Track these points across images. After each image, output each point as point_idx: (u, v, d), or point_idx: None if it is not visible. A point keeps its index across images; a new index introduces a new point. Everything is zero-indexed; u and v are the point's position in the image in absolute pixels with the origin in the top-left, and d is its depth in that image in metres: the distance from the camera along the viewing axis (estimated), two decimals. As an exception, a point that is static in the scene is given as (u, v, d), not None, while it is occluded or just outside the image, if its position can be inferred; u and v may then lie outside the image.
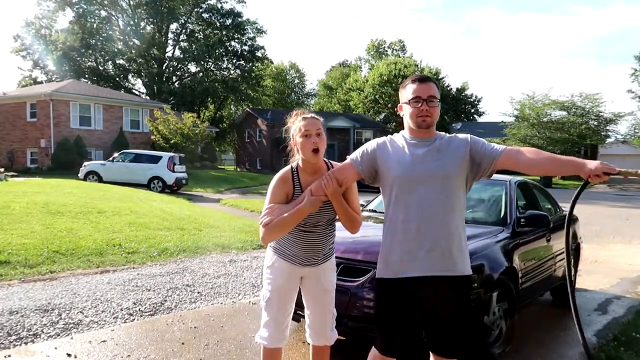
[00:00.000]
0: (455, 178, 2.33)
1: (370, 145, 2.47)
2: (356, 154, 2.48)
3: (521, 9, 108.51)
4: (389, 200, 2.39)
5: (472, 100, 53.14)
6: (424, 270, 2.29)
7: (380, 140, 2.48)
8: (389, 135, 2.51)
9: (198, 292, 5.49)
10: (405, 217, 2.32)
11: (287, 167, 2.64)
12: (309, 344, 2.87)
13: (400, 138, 2.43)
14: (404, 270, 2.32)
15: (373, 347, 2.46)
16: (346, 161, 2.52)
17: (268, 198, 2.58)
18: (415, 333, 2.38)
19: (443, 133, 2.47)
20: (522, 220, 4.37)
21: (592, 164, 2.16)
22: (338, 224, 2.72)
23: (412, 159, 2.34)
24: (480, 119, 51.67)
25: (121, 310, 4.76)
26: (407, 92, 2.37)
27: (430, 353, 2.44)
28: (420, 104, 2.31)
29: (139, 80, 46.98)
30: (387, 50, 63.41)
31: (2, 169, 19.44)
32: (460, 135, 2.43)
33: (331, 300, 2.78)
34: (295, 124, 2.59)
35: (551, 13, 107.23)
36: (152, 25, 44.83)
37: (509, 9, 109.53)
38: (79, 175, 19.54)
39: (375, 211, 4.89)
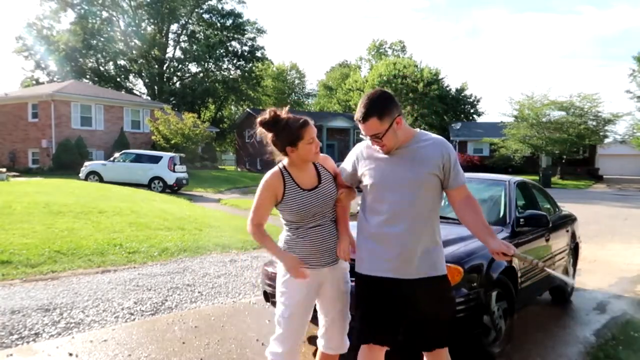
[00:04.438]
0: (428, 185, 2.38)
1: (351, 153, 2.59)
2: (343, 164, 2.62)
3: (526, 9, 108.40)
4: (364, 203, 2.51)
5: (471, 100, 53.12)
6: (387, 272, 2.38)
7: (358, 147, 2.58)
8: (368, 141, 2.52)
9: (199, 292, 5.51)
10: (375, 222, 2.42)
11: (275, 170, 2.58)
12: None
13: None
14: (369, 269, 2.43)
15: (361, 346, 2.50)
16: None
17: (256, 200, 2.57)
18: (388, 325, 2.42)
19: (424, 134, 2.46)
20: (522, 220, 4.38)
21: (495, 243, 2.35)
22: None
23: (384, 166, 2.41)
24: (479, 119, 51.65)
25: (122, 309, 4.79)
26: None
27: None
28: (371, 140, 2.39)
29: (140, 80, 47.08)
30: (387, 51, 63.43)
31: (4, 169, 19.45)
32: (441, 145, 2.42)
33: (347, 304, 2.68)
34: (289, 131, 2.48)
35: (555, 13, 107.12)
36: (153, 26, 44.86)
37: (514, 9, 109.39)
38: (80, 175, 19.55)
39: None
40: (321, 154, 2.65)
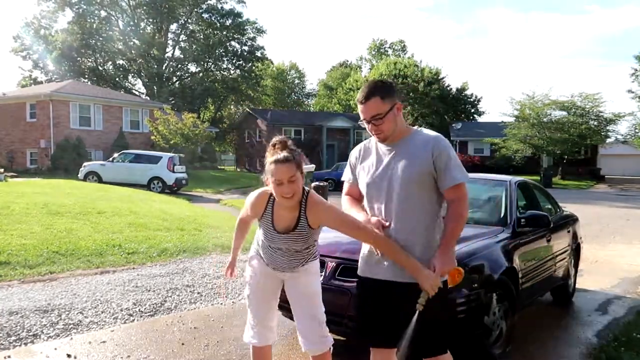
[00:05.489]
0: (421, 185, 2.31)
1: (350, 158, 2.58)
2: (346, 173, 2.59)
3: (530, 8, 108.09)
4: (364, 203, 2.49)
5: (472, 100, 53.10)
6: (380, 274, 2.37)
7: (356, 149, 2.57)
8: (366, 141, 2.56)
9: (198, 293, 5.49)
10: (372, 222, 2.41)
11: (266, 191, 2.56)
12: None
13: (374, 143, 2.48)
14: (365, 270, 2.45)
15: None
16: (345, 184, 2.61)
17: (244, 207, 2.72)
18: (383, 328, 2.39)
19: (421, 132, 2.42)
20: (523, 220, 4.36)
21: (438, 260, 2.26)
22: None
23: (377, 166, 2.40)
24: (481, 119, 51.62)
25: (121, 310, 4.76)
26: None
27: None
28: (368, 125, 2.35)
29: (139, 80, 46.98)
30: (387, 51, 63.44)
31: (2, 170, 19.41)
32: (432, 141, 2.33)
33: (312, 305, 2.66)
34: (268, 162, 2.44)
35: (559, 12, 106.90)
36: (152, 26, 44.80)
37: (518, 8, 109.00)
38: (79, 175, 19.52)
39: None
40: (316, 197, 2.51)
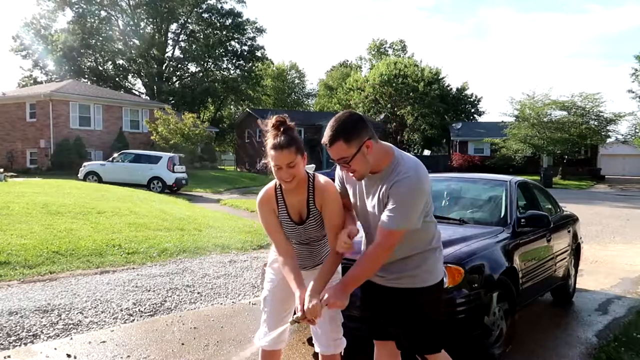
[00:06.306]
0: None
1: (337, 168, 2.48)
2: (336, 184, 2.52)
3: (532, 8, 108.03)
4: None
5: (472, 100, 53.16)
6: (376, 279, 2.39)
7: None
8: None
9: (198, 293, 5.48)
10: (361, 235, 2.48)
11: (271, 185, 2.54)
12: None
13: None
14: None
15: None
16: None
17: (262, 222, 2.56)
18: (378, 324, 2.48)
19: (398, 163, 2.23)
20: (523, 220, 4.36)
21: (328, 293, 2.22)
22: None
23: (359, 192, 2.37)
24: (481, 119, 51.68)
25: (121, 310, 4.76)
26: None
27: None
28: (340, 165, 2.27)
29: (138, 80, 47.07)
30: (387, 50, 63.48)
31: (2, 170, 19.41)
32: (394, 179, 2.18)
33: None
34: (267, 146, 2.37)
35: (561, 12, 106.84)
36: (152, 26, 44.85)
37: (520, 8, 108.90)
38: (79, 175, 19.53)
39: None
40: (322, 179, 2.47)
